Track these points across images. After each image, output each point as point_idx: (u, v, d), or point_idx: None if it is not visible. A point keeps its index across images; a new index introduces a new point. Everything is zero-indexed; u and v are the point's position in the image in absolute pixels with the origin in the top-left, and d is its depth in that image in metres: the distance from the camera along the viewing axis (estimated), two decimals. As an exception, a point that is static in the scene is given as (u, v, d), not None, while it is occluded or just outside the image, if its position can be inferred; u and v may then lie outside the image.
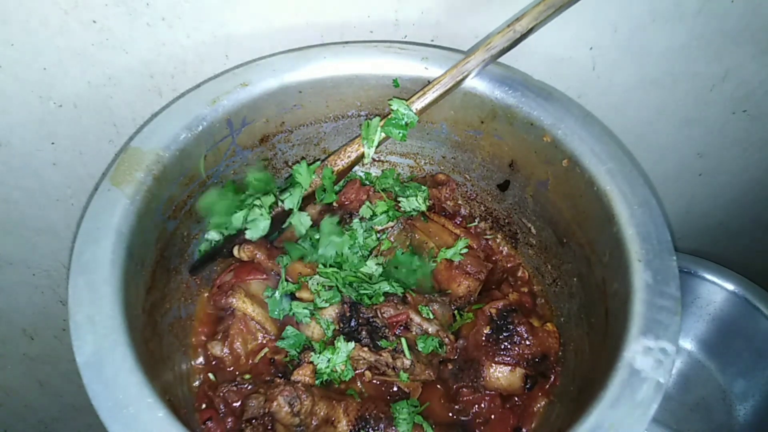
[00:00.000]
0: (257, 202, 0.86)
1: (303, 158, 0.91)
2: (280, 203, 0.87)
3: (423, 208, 0.93)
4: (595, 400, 0.63)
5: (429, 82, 0.85)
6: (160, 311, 0.81)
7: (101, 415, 0.59)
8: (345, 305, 0.82)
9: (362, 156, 0.88)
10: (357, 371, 0.82)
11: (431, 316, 0.84)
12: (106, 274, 0.67)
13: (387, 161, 1.02)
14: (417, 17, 0.89)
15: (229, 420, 0.78)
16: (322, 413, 0.76)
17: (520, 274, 0.98)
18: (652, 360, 0.64)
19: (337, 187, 0.92)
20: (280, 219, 0.87)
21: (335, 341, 0.80)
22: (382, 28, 0.90)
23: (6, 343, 1.24)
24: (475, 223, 1.01)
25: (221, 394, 0.79)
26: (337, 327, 0.82)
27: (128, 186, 0.74)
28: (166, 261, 0.82)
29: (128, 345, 0.64)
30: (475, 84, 0.85)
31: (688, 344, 1.29)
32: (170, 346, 0.81)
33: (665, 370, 0.64)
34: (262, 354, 0.84)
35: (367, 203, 0.91)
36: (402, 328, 0.82)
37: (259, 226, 0.84)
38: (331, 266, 0.86)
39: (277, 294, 0.84)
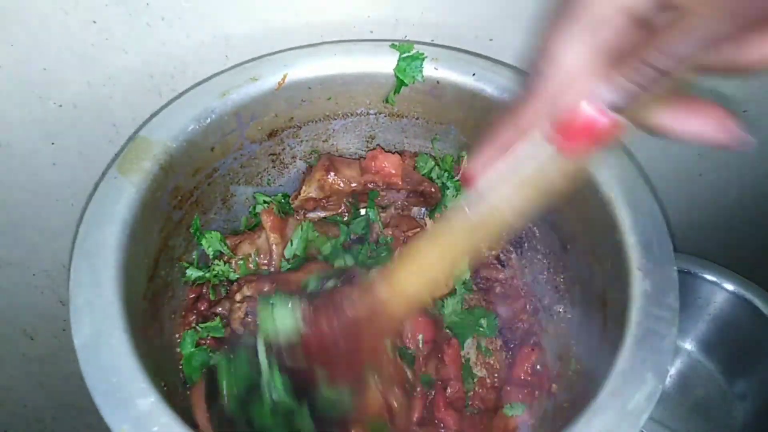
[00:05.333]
0: None
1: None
2: None
3: None
4: (584, 409, 0.62)
5: (438, 82, 0.85)
6: (162, 299, 0.81)
7: (95, 397, 0.59)
8: None
9: None
10: None
11: None
12: (109, 260, 0.68)
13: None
14: (417, 17, 0.89)
15: None
16: None
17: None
18: (645, 370, 0.63)
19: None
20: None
21: None
22: (382, 28, 0.90)
23: (6, 344, 1.24)
24: None
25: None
26: None
27: (135, 174, 0.74)
28: (170, 250, 0.83)
29: (125, 330, 0.64)
30: (484, 86, 0.85)
31: (687, 344, 1.29)
32: (170, 334, 0.82)
33: (659, 380, 0.63)
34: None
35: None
36: None
37: None
38: None
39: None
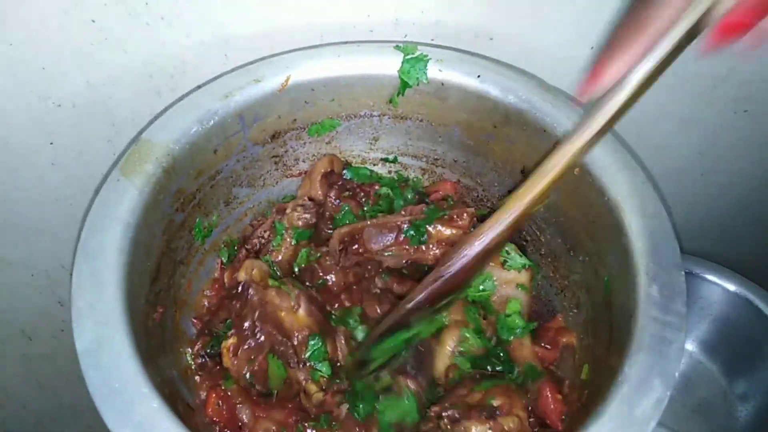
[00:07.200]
0: None
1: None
2: None
3: None
4: (592, 416, 0.61)
5: (442, 84, 0.85)
6: (165, 302, 0.81)
7: (96, 401, 0.59)
8: None
9: None
10: None
11: None
12: (111, 262, 0.68)
13: (400, 162, 1.01)
14: (417, 17, 0.89)
15: None
16: None
17: None
18: (653, 376, 0.63)
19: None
20: None
21: None
22: (382, 27, 0.90)
23: (5, 344, 1.24)
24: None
25: None
26: None
27: (137, 177, 0.74)
28: (173, 253, 0.82)
29: (128, 334, 0.64)
30: (489, 88, 0.85)
31: (689, 345, 1.28)
32: (174, 338, 0.82)
33: (666, 386, 0.62)
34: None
35: None
36: None
37: None
38: None
39: None
